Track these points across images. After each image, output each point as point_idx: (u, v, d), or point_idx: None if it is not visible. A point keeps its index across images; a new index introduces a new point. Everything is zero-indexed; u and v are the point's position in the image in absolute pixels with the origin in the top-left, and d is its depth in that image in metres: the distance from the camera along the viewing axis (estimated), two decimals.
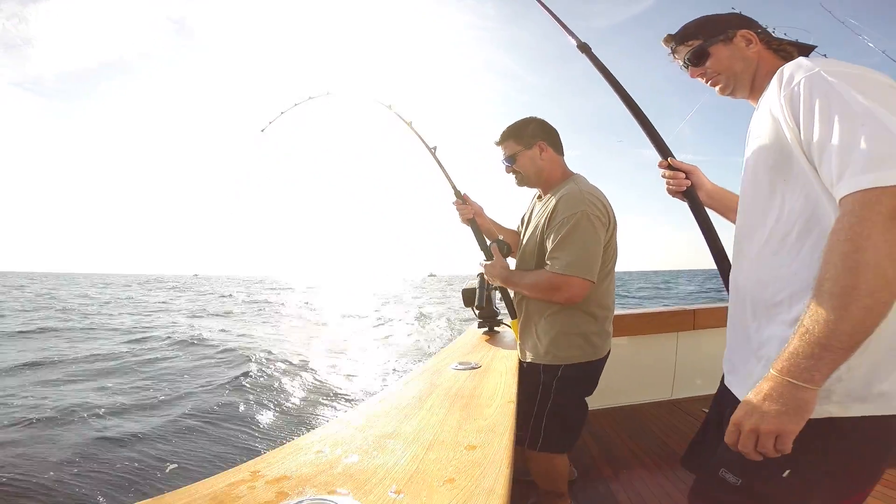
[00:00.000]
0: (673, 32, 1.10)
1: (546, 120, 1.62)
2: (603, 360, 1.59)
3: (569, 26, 1.40)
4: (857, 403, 0.75)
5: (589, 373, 1.57)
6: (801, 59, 0.85)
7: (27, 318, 15.13)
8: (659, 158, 1.29)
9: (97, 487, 3.44)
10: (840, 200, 0.70)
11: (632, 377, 3.12)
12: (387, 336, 12.98)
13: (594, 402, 3.02)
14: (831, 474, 0.79)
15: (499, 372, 1.33)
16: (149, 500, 0.55)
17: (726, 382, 1.01)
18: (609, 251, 1.51)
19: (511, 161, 1.61)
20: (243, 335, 12.19)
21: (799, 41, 1.02)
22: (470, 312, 1.95)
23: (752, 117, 0.98)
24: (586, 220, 1.39)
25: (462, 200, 1.76)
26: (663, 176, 1.25)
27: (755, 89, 1.01)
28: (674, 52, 1.11)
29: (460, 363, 1.40)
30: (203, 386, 6.49)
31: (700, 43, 1.04)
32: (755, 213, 0.92)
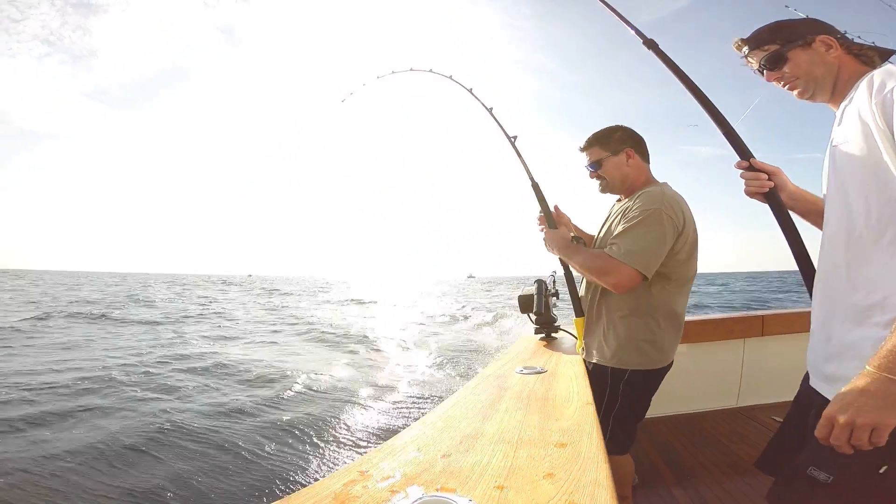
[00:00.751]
0: (745, 37, 1.11)
1: (633, 128, 1.64)
2: (667, 368, 1.58)
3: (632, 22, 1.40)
4: None
5: (653, 380, 1.57)
6: (890, 65, 0.88)
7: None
8: (737, 159, 1.24)
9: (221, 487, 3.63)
10: None
11: (695, 384, 3.02)
12: (443, 339, 12.95)
13: (654, 409, 2.95)
14: None
15: (567, 376, 1.33)
16: (278, 501, 0.59)
17: (812, 384, 1.00)
18: (684, 260, 1.49)
19: (596, 167, 1.63)
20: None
21: (877, 45, 1.01)
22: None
23: (835, 122, 0.99)
24: (656, 217, 1.40)
25: (538, 193, 1.76)
26: (743, 177, 1.21)
27: (836, 94, 1.01)
28: (747, 56, 1.11)
29: (525, 367, 1.40)
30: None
31: (778, 48, 1.04)
32: (843, 217, 0.92)
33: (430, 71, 1.88)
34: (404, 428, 0.91)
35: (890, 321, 0.79)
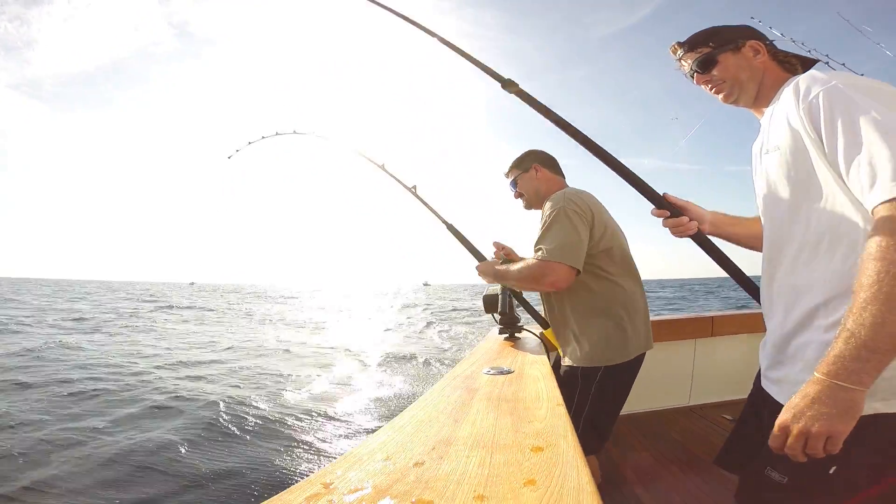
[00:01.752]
0: (681, 41, 1.12)
1: (545, 150, 1.82)
2: (638, 360, 1.60)
3: (491, 67, 1.36)
4: None
5: (627, 373, 1.59)
6: (814, 71, 0.89)
7: None
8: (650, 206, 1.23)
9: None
10: (874, 208, 0.72)
11: (650, 383, 3.11)
12: (400, 341, 12.89)
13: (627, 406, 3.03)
14: (877, 467, 0.80)
15: (534, 377, 1.30)
16: None
17: (763, 385, 1.02)
18: (609, 247, 1.57)
19: (514, 185, 1.81)
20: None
21: (802, 55, 1.06)
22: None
23: (761, 129, 1.01)
24: (562, 214, 1.49)
25: (454, 231, 1.94)
26: (665, 225, 1.22)
27: (759, 99, 1.03)
28: (681, 59, 1.12)
29: (492, 368, 1.37)
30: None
31: (709, 51, 1.05)
32: (782, 225, 0.94)
33: (294, 132, 2.01)
34: (371, 433, 0.84)
35: (832, 324, 0.81)
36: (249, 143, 2.07)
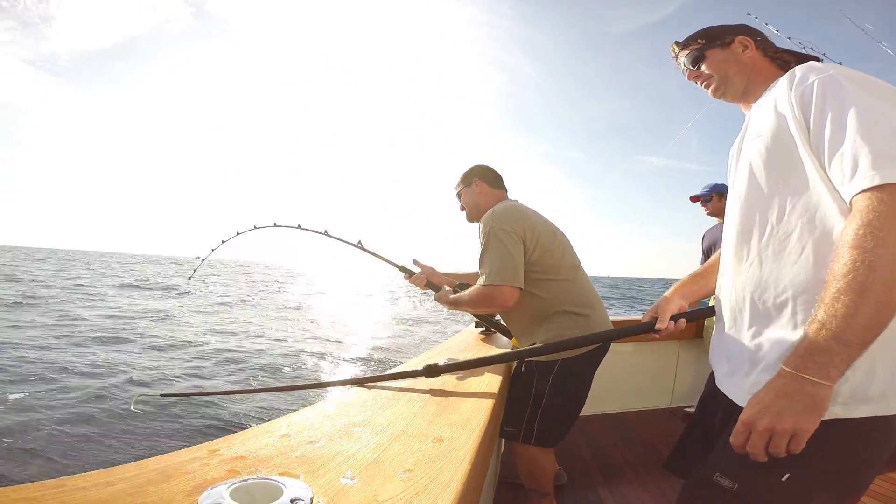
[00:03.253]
0: (679, 41, 1.13)
1: (488, 164, 1.89)
2: (596, 354, 1.60)
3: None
4: (861, 404, 0.73)
5: (584, 366, 1.58)
6: (812, 62, 0.87)
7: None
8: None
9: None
10: (853, 197, 0.70)
11: (630, 383, 3.07)
12: (383, 330, 13.17)
13: (590, 407, 2.99)
14: (832, 475, 0.77)
15: (489, 371, 1.33)
16: (100, 470, 0.56)
17: (719, 385, 0.98)
18: (553, 255, 1.60)
19: (458, 198, 1.89)
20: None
21: (798, 52, 1.03)
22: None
23: (745, 123, 0.99)
24: (493, 235, 1.54)
25: (409, 274, 2.01)
26: (661, 338, 1.18)
27: (747, 94, 1.02)
28: (677, 57, 1.13)
29: (450, 359, 1.39)
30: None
31: (698, 47, 1.06)
32: (752, 214, 0.90)
33: (255, 227, 2.20)
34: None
35: (800, 320, 0.77)
36: (202, 259, 2.31)
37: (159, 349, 8.18)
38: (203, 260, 2.30)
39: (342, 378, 1.26)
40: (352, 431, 0.81)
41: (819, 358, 0.67)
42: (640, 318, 1.21)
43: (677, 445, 1.15)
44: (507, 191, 1.85)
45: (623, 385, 3.04)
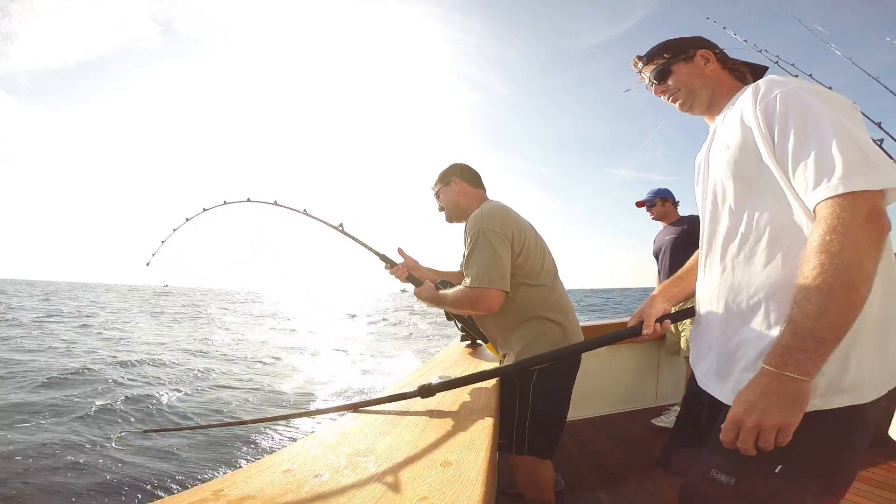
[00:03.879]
0: (640, 55, 1.16)
1: (468, 164, 1.83)
2: (573, 360, 1.61)
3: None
4: (837, 395, 0.78)
5: (563, 371, 1.58)
6: (774, 75, 0.91)
7: None
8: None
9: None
10: (817, 205, 0.74)
11: (615, 386, 3.13)
12: (368, 351, 12.96)
13: (579, 411, 3.03)
14: (819, 462, 0.81)
15: (480, 386, 1.32)
16: None
17: (701, 385, 1.01)
18: (535, 260, 1.60)
19: (437, 198, 1.84)
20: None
21: (752, 63, 1.08)
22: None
23: (709, 135, 1.03)
24: (482, 236, 1.51)
25: (391, 264, 1.87)
26: (648, 339, 1.21)
27: (711, 106, 1.06)
28: (641, 72, 1.15)
29: (441, 377, 1.38)
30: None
31: (664, 61, 1.09)
32: (721, 220, 0.95)
33: (224, 203, 2.03)
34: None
35: (774, 321, 0.82)
36: (162, 241, 2.11)
37: (124, 385, 7.71)
38: (163, 242, 2.09)
39: (334, 405, 1.22)
40: (357, 462, 0.78)
41: (797, 356, 0.71)
42: (615, 322, 1.24)
43: (668, 444, 1.18)
44: (486, 190, 1.82)
45: (609, 388, 3.10)
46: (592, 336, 1.23)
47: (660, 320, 1.17)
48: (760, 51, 2.42)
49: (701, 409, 1.03)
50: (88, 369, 8.12)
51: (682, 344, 2.82)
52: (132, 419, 5.57)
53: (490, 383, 1.35)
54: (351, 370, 9.85)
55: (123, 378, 7.79)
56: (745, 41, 2.49)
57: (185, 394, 7.01)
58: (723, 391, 0.92)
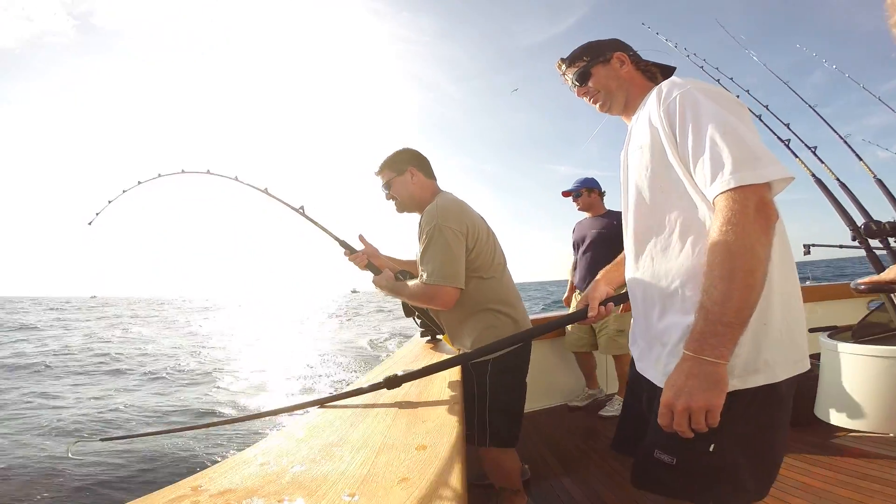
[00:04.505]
0: (564, 57, 1.20)
1: (418, 149, 1.78)
2: (525, 348, 1.67)
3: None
4: (752, 375, 0.84)
5: (516, 361, 1.63)
6: (675, 77, 0.98)
7: None
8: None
9: None
10: (714, 199, 0.81)
11: (570, 377, 3.27)
12: (326, 351, 12.66)
13: (537, 402, 3.15)
14: (747, 439, 0.87)
15: (443, 377, 1.35)
16: None
17: (638, 369, 1.09)
18: (486, 254, 1.63)
19: (387, 188, 1.75)
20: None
21: (662, 63, 1.15)
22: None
23: (628, 133, 1.09)
24: (438, 233, 1.52)
25: (350, 250, 1.81)
26: (596, 321, 1.31)
27: (628, 107, 1.12)
28: (564, 74, 1.20)
29: (404, 371, 1.40)
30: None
31: (584, 64, 1.14)
32: (641, 215, 1.02)
33: (182, 171, 1.87)
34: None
35: (690, 306, 0.86)
36: (109, 201, 1.89)
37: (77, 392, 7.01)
38: (110, 202, 1.89)
39: (299, 402, 1.21)
40: (332, 452, 0.79)
41: (710, 340, 0.76)
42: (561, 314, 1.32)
43: (618, 427, 1.25)
44: (436, 178, 1.79)
45: (564, 379, 3.25)
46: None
47: (603, 303, 1.25)
48: (689, 55, 2.61)
49: (643, 391, 1.09)
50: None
51: (603, 341, 2.95)
52: (85, 431, 5.12)
53: (454, 373, 1.39)
54: (311, 371, 9.55)
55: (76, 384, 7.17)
56: (676, 46, 2.67)
57: (142, 400, 6.53)
58: (655, 374, 0.98)
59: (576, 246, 3.20)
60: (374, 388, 1.18)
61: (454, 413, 1.00)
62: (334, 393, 1.20)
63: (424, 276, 1.53)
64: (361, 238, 1.83)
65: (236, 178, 1.89)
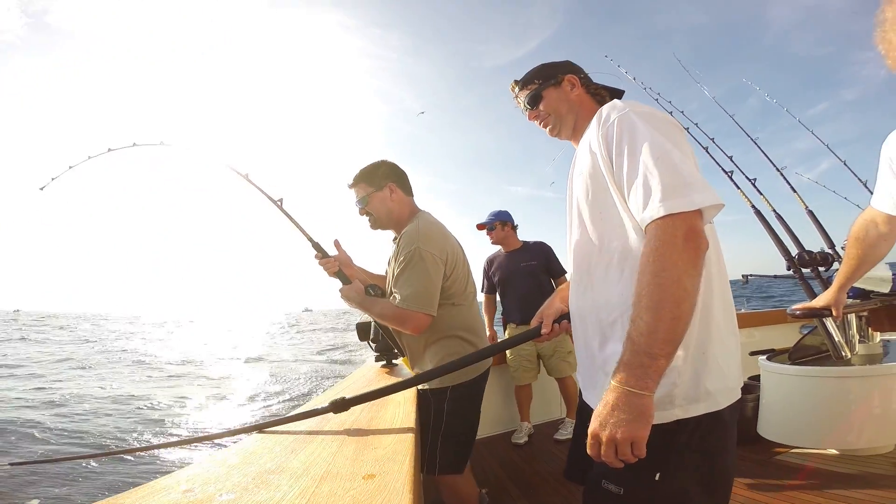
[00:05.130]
0: (517, 79, 1.17)
1: (396, 163, 1.69)
2: (484, 377, 1.63)
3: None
4: (693, 404, 0.83)
5: (475, 389, 1.60)
6: (616, 101, 0.97)
7: None
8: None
9: None
10: (645, 228, 0.80)
11: (544, 393, 3.23)
12: (273, 374, 12.01)
13: (494, 427, 3.08)
14: (694, 466, 0.85)
15: (396, 402, 1.28)
16: None
17: (584, 398, 1.07)
18: (461, 281, 1.61)
19: (363, 203, 1.65)
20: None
21: (612, 87, 1.14)
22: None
23: (574, 158, 1.06)
24: (418, 257, 1.47)
25: (323, 254, 1.66)
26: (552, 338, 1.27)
27: (576, 130, 1.09)
28: (517, 97, 1.17)
29: (354, 395, 1.32)
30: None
31: (536, 87, 1.12)
32: (581, 243, 0.99)
33: (161, 143, 1.65)
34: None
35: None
36: (70, 167, 1.64)
37: None
38: (71, 168, 1.62)
39: (236, 427, 1.10)
40: (268, 480, 0.71)
41: (636, 371, 0.73)
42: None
43: (569, 455, 1.21)
44: (414, 195, 1.72)
45: (539, 397, 3.18)
46: None
47: (558, 320, 1.22)
48: (646, 88, 2.72)
49: (589, 419, 1.08)
50: None
51: (553, 364, 2.95)
52: None
53: (407, 396, 1.32)
54: (253, 395, 8.96)
55: None
56: (634, 78, 2.79)
57: (59, 422, 5.87)
58: (597, 401, 0.94)
59: (490, 279, 3.17)
60: (320, 412, 1.09)
61: (407, 439, 0.94)
62: (275, 418, 1.11)
63: (398, 297, 1.47)
64: (336, 243, 1.70)
65: (224, 167, 1.66)
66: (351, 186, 1.68)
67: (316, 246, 1.68)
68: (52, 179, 1.61)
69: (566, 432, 2.91)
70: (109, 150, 1.62)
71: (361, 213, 1.68)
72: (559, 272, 3.06)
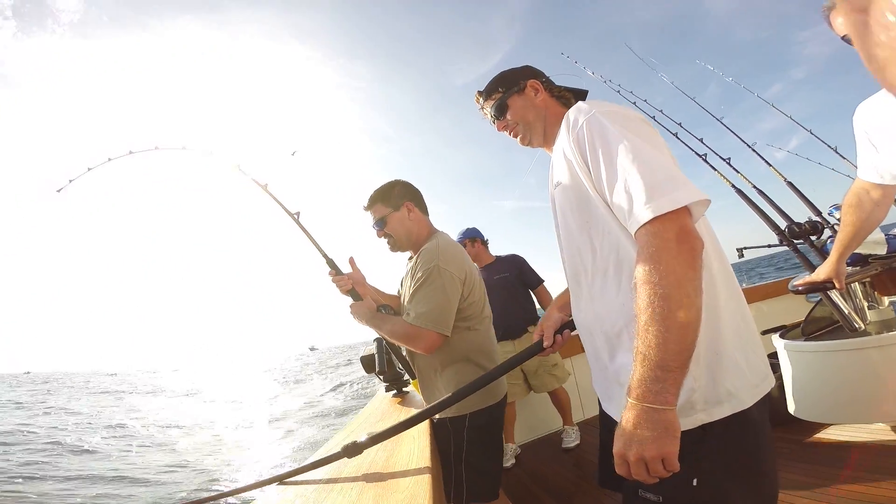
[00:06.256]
0: (481, 90, 1.15)
1: (410, 181, 1.67)
2: (503, 402, 1.61)
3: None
4: (716, 406, 0.80)
5: (494, 415, 1.57)
6: (580, 103, 0.93)
7: None
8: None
9: None
10: (635, 234, 0.77)
11: (545, 405, 3.18)
12: (286, 418, 11.93)
13: (520, 435, 3.05)
14: (731, 467, 0.83)
15: (411, 436, 1.28)
16: None
17: (604, 408, 1.05)
18: (478, 305, 1.58)
19: (381, 224, 1.62)
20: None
21: (575, 88, 1.12)
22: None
23: (551, 167, 1.03)
24: (437, 274, 1.44)
25: (337, 271, 1.67)
26: (555, 351, 1.26)
27: (547, 137, 1.06)
28: (483, 108, 1.15)
29: (368, 434, 1.32)
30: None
31: (500, 96, 1.09)
32: (574, 254, 0.97)
33: (183, 148, 1.64)
34: None
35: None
36: (89, 168, 1.61)
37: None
38: (90, 169, 1.60)
39: (256, 480, 1.10)
40: None
41: (652, 387, 0.70)
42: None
43: (599, 462, 1.18)
44: (429, 214, 1.69)
45: (541, 408, 3.17)
46: None
47: (559, 331, 1.19)
48: (606, 81, 2.69)
49: (613, 427, 1.08)
50: None
51: (540, 379, 2.91)
52: None
53: (421, 429, 1.32)
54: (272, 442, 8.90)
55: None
56: (593, 73, 2.78)
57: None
58: (618, 413, 0.92)
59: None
60: (333, 458, 1.09)
61: (424, 482, 0.94)
62: (295, 467, 1.11)
63: (412, 314, 1.44)
64: (351, 261, 1.68)
65: (238, 167, 1.67)
66: (367, 208, 1.64)
67: (331, 263, 1.65)
68: (70, 181, 1.60)
69: (570, 440, 2.89)
70: (130, 152, 1.59)
71: (380, 236, 1.64)
72: (535, 282, 3.03)
